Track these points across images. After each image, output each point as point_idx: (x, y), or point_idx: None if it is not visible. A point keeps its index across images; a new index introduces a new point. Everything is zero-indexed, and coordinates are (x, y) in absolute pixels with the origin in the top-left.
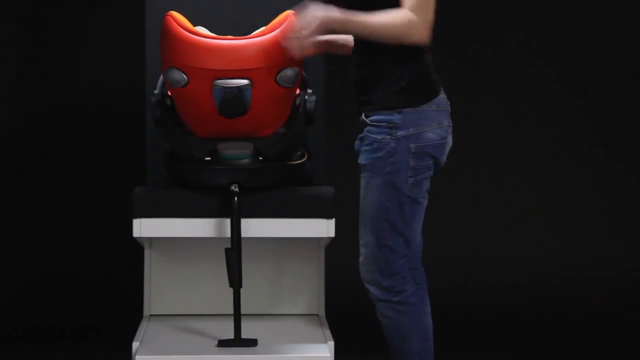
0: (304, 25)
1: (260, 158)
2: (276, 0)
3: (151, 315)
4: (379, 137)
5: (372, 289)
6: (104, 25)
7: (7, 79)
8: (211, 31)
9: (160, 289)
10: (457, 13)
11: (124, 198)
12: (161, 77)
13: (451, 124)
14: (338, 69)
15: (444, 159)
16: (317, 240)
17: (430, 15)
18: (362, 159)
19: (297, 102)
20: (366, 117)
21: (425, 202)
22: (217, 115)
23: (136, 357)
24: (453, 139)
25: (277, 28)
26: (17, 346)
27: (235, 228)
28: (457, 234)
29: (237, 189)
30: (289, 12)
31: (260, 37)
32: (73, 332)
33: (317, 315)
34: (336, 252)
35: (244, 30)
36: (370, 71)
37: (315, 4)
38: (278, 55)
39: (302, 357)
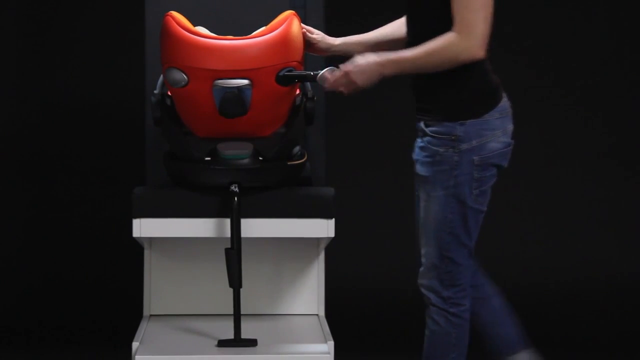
0: (352, 80)
1: (260, 158)
2: (276, 0)
3: (151, 315)
4: (441, 149)
5: (430, 296)
6: (104, 25)
7: (6, 79)
8: (211, 31)
9: (160, 289)
10: None
11: (124, 198)
12: (161, 77)
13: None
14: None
15: (507, 163)
16: (317, 240)
17: (480, 30)
18: (422, 171)
19: (297, 102)
20: (426, 126)
21: (486, 209)
22: (217, 115)
23: (136, 357)
24: None
25: (277, 28)
26: (17, 346)
27: (235, 228)
28: None
29: (237, 189)
30: (289, 12)
31: (261, 37)
32: (73, 332)
33: (317, 315)
34: (336, 252)
35: (244, 30)
36: (429, 78)
37: (363, 57)
38: (278, 55)
39: (302, 357)
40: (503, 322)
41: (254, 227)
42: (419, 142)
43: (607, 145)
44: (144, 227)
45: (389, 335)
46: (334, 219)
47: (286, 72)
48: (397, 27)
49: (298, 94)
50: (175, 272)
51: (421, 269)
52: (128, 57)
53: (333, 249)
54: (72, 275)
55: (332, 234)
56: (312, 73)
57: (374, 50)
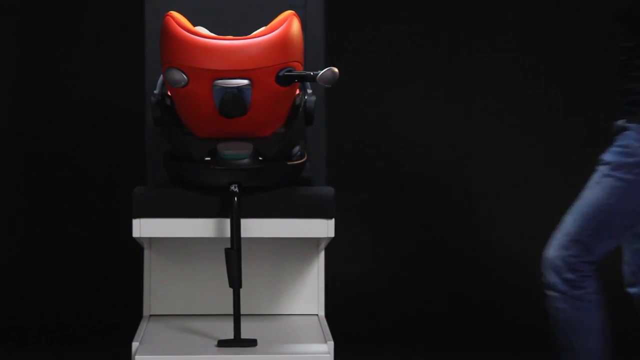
0: None
1: (260, 158)
2: (276, 0)
3: (151, 315)
4: (635, 143)
5: (551, 276)
6: (104, 25)
7: (6, 79)
8: (211, 31)
9: (160, 289)
10: (454, 14)
11: (124, 198)
12: (161, 77)
13: None
14: (339, 68)
15: None
16: (317, 240)
17: None
18: (607, 156)
19: (297, 102)
20: (628, 122)
21: None
22: (217, 116)
23: (136, 357)
24: (452, 137)
25: (277, 28)
26: (17, 346)
27: (235, 228)
28: (455, 234)
29: (237, 189)
30: (289, 12)
31: (261, 37)
32: (73, 332)
33: (317, 315)
34: (336, 252)
35: (244, 30)
36: (636, 84)
37: None
38: (278, 55)
39: (302, 357)
40: None
41: (254, 227)
42: (618, 137)
43: (601, 144)
44: (144, 227)
45: (389, 336)
46: (334, 219)
47: (286, 72)
48: None
49: (298, 94)
50: (175, 272)
51: (554, 240)
52: (128, 57)
53: (333, 249)
54: (72, 275)
55: (332, 234)
56: (312, 73)
57: None
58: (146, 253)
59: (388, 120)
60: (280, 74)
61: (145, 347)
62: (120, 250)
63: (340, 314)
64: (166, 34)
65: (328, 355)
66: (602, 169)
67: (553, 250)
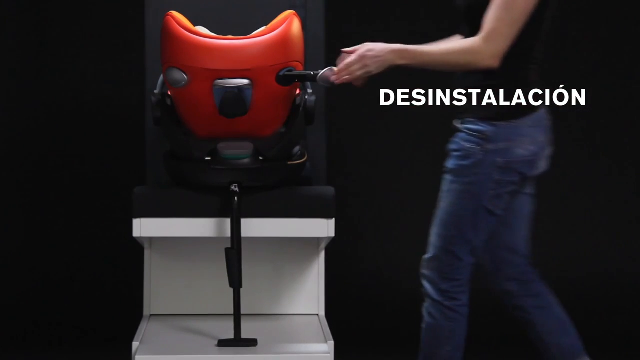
0: (366, 65)
1: (261, 158)
2: (276, 0)
3: (151, 315)
4: (467, 145)
5: (428, 287)
6: (104, 25)
7: (6, 79)
8: (211, 31)
9: (160, 289)
10: (456, 14)
11: (124, 198)
12: (161, 76)
13: (548, 140)
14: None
15: (534, 173)
16: (317, 240)
17: (503, 44)
18: (449, 163)
19: (297, 102)
20: (461, 123)
21: (502, 214)
22: (217, 115)
23: (136, 357)
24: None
25: (278, 28)
26: (17, 346)
27: (235, 228)
28: None
29: (237, 189)
30: (289, 12)
31: (261, 37)
32: (73, 332)
33: (317, 315)
34: (336, 252)
35: (244, 30)
36: (468, 81)
37: (376, 45)
38: (278, 55)
39: (302, 357)
40: (564, 331)
41: (254, 227)
42: (453, 139)
43: (601, 143)
44: (144, 227)
45: (389, 335)
46: (334, 219)
47: (286, 72)
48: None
49: (298, 93)
50: (175, 272)
51: (425, 256)
52: (128, 57)
53: (333, 249)
54: (72, 275)
55: (332, 234)
56: (312, 73)
57: None
58: (146, 253)
59: (388, 120)
60: (281, 73)
61: (145, 347)
62: (120, 250)
63: (340, 314)
64: (166, 34)
65: (328, 355)
66: (447, 177)
67: (427, 263)
